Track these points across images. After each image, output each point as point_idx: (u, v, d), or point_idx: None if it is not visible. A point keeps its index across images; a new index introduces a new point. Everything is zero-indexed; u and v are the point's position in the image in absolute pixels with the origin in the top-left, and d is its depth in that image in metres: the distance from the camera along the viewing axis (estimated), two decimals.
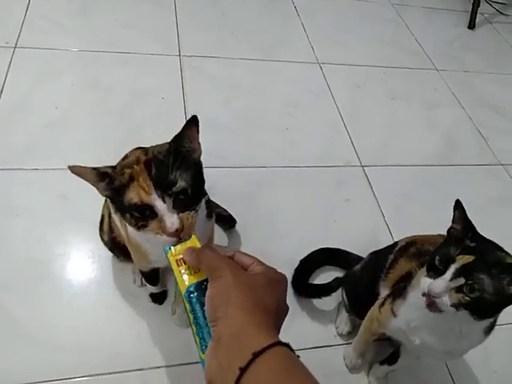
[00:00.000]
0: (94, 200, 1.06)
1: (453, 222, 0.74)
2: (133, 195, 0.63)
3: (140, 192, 0.62)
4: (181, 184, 0.64)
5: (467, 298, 0.66)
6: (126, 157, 0.74)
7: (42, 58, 1.57)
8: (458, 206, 0.73)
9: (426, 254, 0.83)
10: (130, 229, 0.76)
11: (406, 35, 2.22)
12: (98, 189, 0.68)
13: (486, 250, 0.69)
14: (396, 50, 2.10)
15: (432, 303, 0.69)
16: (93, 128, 1.41)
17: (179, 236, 0.61)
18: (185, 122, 0.67)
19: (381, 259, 0.99)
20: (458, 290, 0.67)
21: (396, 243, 1.00)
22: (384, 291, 0.92)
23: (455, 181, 1.59)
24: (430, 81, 1.99)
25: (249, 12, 2.05)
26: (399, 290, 0.84)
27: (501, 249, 0.70)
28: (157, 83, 1.61)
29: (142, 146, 0.75)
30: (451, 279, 0.67)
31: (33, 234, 1.15)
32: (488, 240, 0.72)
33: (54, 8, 1.77)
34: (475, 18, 2.38)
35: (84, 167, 0.66)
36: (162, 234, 0.62)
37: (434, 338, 0.77)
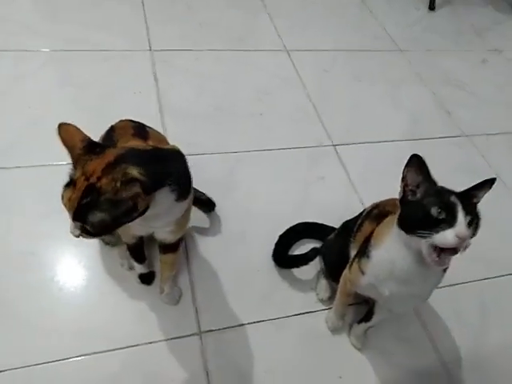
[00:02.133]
0: None
1: (405, 178, 0.80)
2: (65, 195, 0.73)
3: (67, 203, 0.72)
4: (91, 222, 0.72)
5: (474, 230, 0.74)
6: (114, 129, 0.95)
7: (13, 60, 1.60)
8: (417, 158, 0.79)
9: (385, 214, 0.91)
10: None
11: (370, 20, 2.30)
12: None
13: (447, 189, 0.79)
14: (361, 35, 2.18)
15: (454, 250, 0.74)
16: None
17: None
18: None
19: (351, 225, 1.07)
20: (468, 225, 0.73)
21: (364, 210, 1.08)
22: (353, 253, 1.00)
23: (422, 154, 1.66)
24: (394, 62, 2.08)
25: (215, 4, 2.10)
26: (362, 250, 0.92)
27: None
28: (130, 79, 1.65)
29: None
30: (465, 219, 0.73)
31: (20, 228, 1.19)
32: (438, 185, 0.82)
33: (20, 10, 1.79)
34: None
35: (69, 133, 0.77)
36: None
37: (400, 286, 0.85)
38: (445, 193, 0.77)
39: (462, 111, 1.90)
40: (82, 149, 0.74)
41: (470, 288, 1.29)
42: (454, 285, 1.27)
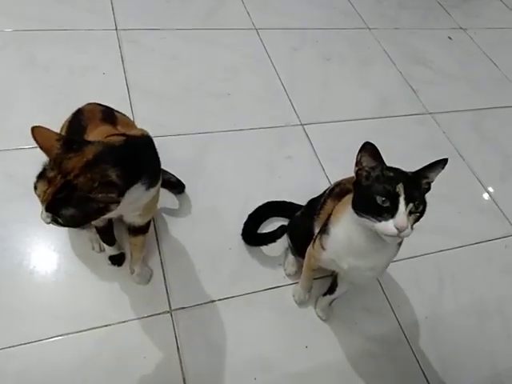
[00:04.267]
0: None
1: (360, 163, 0.83)
2: (38, 186, 0.74)
3: (41, 194, 0.73)
4: (63, 216, 0.74)
5: (417, 215, 0.79)
6: (82, 112, 0.96)
7: None
8: (370, 145, 0.83)
9: (346, 192, 0.95)
10: None
11: None
12: None
13: (397, 173, 0.81)
14: (330, 12, 2.18)
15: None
16: (33, 108, 1.42)
17: None
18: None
19: (315, 203, 1.11)
20: (410, 213, 0.78)
21: (328, 188, 1.12)
22: (317, 230, 1.04)
23: (389, 131, 1.73)
24: (362, 40, 2.10)
25: None
26: (324, 228, 0.96)
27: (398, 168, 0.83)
28: (96, 59, 1.62)
29: None
30: (406, 209, 0.77)
31: None
32: (391, 167, 0.83)
33: None
34: None
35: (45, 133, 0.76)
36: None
37: (358, 260, 0.90)
38: (393, 180, 0.79)
39: (428, 89, 1.95)
40: (60, 148, 0.74)
41: (429, 259, 1.37)
42: (414, 257, 1.35)
